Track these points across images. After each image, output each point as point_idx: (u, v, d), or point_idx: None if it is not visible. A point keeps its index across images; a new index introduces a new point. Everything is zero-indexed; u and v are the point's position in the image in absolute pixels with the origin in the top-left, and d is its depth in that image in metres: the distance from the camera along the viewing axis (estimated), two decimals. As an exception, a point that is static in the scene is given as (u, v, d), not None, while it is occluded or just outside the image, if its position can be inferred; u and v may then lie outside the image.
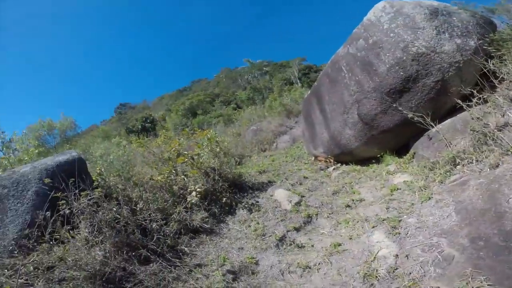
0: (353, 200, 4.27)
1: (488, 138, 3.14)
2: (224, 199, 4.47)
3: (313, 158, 6.84)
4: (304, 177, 5.72)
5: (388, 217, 3.36)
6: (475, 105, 3.52)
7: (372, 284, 2.47)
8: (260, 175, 6.09)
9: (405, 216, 3.21)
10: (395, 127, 4.56)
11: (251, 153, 9.29)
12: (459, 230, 2.56)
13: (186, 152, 5.00)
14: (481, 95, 3.52)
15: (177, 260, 3.09)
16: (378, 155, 5.18)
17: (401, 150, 4.89)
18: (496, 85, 3.57)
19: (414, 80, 4.10)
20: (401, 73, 4.15)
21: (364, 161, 5.60)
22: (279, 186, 5.25)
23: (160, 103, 47.11)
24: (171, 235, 3.41)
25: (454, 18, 4.16)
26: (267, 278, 2.94)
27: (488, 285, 2.06)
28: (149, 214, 3.45)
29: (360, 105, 4.79)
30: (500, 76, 3.57)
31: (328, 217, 4.06)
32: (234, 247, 3.51)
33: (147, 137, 10.88)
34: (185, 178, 4.64)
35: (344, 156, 5.88)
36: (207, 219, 3.95)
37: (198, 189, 4.29)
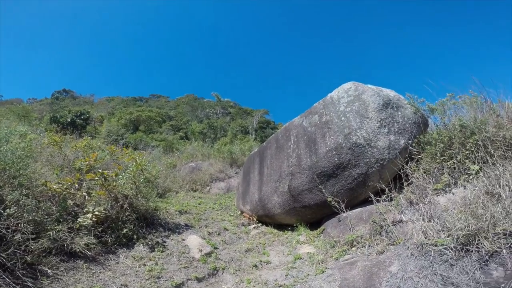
0: (261, 261, 4.28)
1: (383, 229, 3.64)
2: (125, 230, 4.01)
3: (239, 212, 6.83)
4: (225, 228, 5.60)
5: (284, 284, 3.41)
6: (383, 201, 3.98)
7: None
8: (179, 215, 5.72)
9: (298, 285, 3.30)
10: (314, 205, 4.88)
11: (179, 189, 8.78)
12: None
13: (100, 170, 4.49)
14: (390, 194, 3.97)
15: (29, 280, 2.50)
16: (295, 224, 5.48)
17: (315, 224, 5.28)
18: (404, 187, 3.97)
19: (343, 168, 4.31)
20: (336, 159, 4.34)
21: (282, 226, 5.82)
22: (195, 232, 4.98)
23: (106, 104, 42.39)
24: (36, 251, 2.80)
25: (399, 113, 4.24)
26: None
27: None
28: (17, 224, 2.83)
29: (293, 179, 5.03)
30: (410, 180, 3.86)
31: (234, 273, 3.93)
32: (116, 282, 3.03)
33: (71, 135, 9.42)
34: (87, 197, 4.09)
35: (266, 218, 6.03)
36: (93, 246, 3.41)
37: (96, 212, 3.79)
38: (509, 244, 2.18)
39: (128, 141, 18.03)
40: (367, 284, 2.83)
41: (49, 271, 2.75)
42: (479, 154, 3.27)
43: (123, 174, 4.77)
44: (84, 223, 3.50)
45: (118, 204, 4.35)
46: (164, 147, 15.39)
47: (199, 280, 3.56)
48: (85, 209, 3.80)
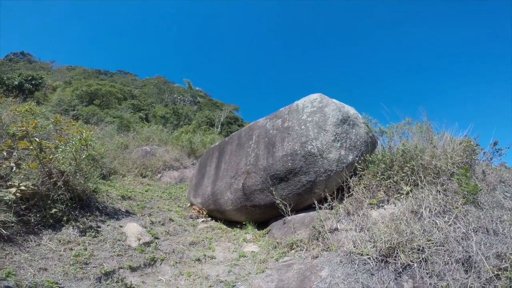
0: (205, 256, 4.24)
1: (320, 235, 3.88)
2: (54, 210, 3.66)
3: (189, 204, 6.67)
4: (170, 219, 5.42)
5: (226, 280, 3.43)
6: (324, 209, 4.24)
7: None
8: (121, 201, 5.39)
9: (239, 283, 3.35)
10: (264, 206, 5.03)
11: (127, 173, 8.25)
12: None
13: (37, 139, 4.02)
14: (332, 203, 4.25)
15: None
16: (244, 222, 5.55)
17: (262, 224, 5.42)
18: (345, 198, 4.26)
19: (295, 173, 4.49)
20: (289, 164, 4.50)
21: (231, 223, 5.84)
22: (136, 220, 4.73)
23: (65, 73, 37.80)
24: None
25: (354, 130, 4.47)
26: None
27: None
28: None
29: (248, 177, 5.10)
30: (351, 192, 4.13)
31: (173, 265, 3.82)
32: (34, 265, 2.74)
33: (14, 98, 8.23)
34: (15, 168, 3.64)
35: (217, 213, 6.00)
36: (12, 224, 3.05)
37: (22, 187, 3.39)
38: (420, 259, 2.48)
39: (79, 113, 16.44)
40: (299, 286, 2.99)
41: None
42: (412, 177, 3.67)
43: (64, 147, 4.32)
44: (5, 198, 3.09)
45: (51, 180, 3.93)
46: (119, 125, 14.29)
47: (133, 269, 3.38)
48: (9, 182, 3.35)
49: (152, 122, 20.08)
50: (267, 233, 4.97)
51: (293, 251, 4.03)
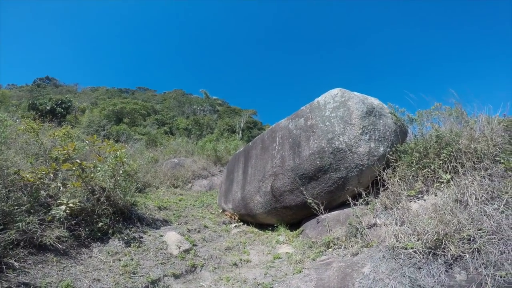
0: (241, 260, 4.30)
1: (358, 232, 3.76)
2: (100, 224, 3.92)
3: (221, 210, 6.81)
4: (205, 226, 5.57)
5: (263, 282, 3.45)
6: (359, 205, 4.12)
7: None
8: (159, 211, 5.63)
9: (276, 284, 3.34)
10: (295, 206, 4.98)
11: (160, 185, 8.62)
12: None
13: (78, 160, 4.35)
14: (366, 198, 4.11)
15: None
16: (275, 224, 5.55)
17: (294, 225, 5.37)
18: (380, 192, 4.13)
19: (325, 171, 4.41)
20: (318, 162, 4.43)
21: (263, 226, 5.87)
22: (174, 229, 4.92)
23: (90, 94, 40.88)
24: (2, 243, 2.70)
25: (381, 121, 4.36)
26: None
27: None
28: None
29: (276, 179, 5.09)
30: (386, 185, 4.01)
31: (213, 271, 3.93)
32: (89, 276, 2.95)
33: (49, 123, 8.99)
34: (62, 188, 3.95)
35: (248, 217, 6.06)
36: (65, 239, 3.30)
37: (71, 204, 3.67)
38: (472, 249, 2.32)
39: (109, 132, 17.47)
40: (341, 284, 2.92)
41: (15, 263, 2.63)
42: (451, 164, 3.46)
43: (102, 165, 4.63)
44: (57, 215, 3.37)
45: (95, 196, 4.22)
46: (147, 141, 14.95)
47: (176, 276, 3.52)
48: (59, 201, 3.66)
49: (176, 134, 20.83)
50: (300, 234, 4.92)
51: (330, 249, 3.95)
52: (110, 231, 4.01)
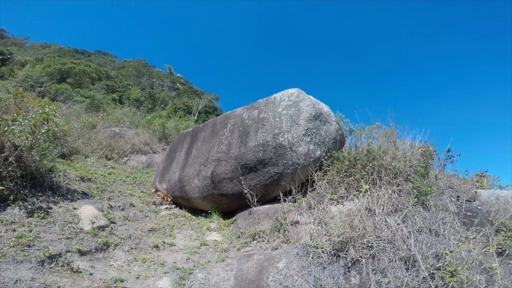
0: (164, 243, 4.14)
1: (282, 227, 3.94)
2: (0, 188, 3.37)
3: (154, 190, 6.47)
4: (131, 204, 5.20)
5: (183, 267, 3.37)
6: (288, 202, 4.32)
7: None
8: (80, 183, 5.08)
9: (197, 271, 3.29)
10: (232, 195, 5.01)
11: (91, 154, 7.79)
12: None
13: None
14: (296, 196, 4.33)
15: None
16: (209, 211, 5.49)
17: (229, 213, 5.39)
18: (309, 192, 4.36)
19: (264, 164, 4.53)
20: (260, 154, 4.53)
21: (196, 211, 5.76)
22: (93, 203, 4.48)
23: (39, 50, 34.58)
24: None
25: (324, 127, 4.61)
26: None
27: None
28: None
29: (218, 165, 5.06)
30: (315, 187, 4.26)
31: (128, 251, 3.67)
32: (-37, 246, 2.48)
33: None
34: None
35: (182, 200, 5.88)
36: None
37: None
38: (369, 255, 2.60)
39: (47, 89, 15.24)
40: (257, 276, 3.02)
41: None
42: (372, 176, 3.83)
43: (22, 120, 3.97)
44: None
45: (2, 155, 3.59)
46: (89, 105, 13.42)
47: (82, 253, 3.20)
48: None
49: (125, 104, 19.12)
50: (232, 223, 4.96)
51: (255, 241, 4.05)
52: (11, 197, 3.46)
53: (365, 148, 4.37)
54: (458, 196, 3.83)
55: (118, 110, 13.75)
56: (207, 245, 4.20)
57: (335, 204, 3.75)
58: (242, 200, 4.84)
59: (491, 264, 2.43)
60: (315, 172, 4.38)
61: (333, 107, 5.24)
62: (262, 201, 4.73)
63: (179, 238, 4.51)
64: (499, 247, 2.81)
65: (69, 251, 3.09)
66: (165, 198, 5.99)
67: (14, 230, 3.02)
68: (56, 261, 2.84)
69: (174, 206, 5.94)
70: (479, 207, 3.59)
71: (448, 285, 2.11)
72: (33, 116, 4.07)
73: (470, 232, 2.90)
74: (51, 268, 2.73)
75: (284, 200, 4.29)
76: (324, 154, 4.47)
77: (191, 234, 4.72)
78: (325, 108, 5.00)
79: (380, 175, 3.82)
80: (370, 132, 4.88)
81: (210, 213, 5.47)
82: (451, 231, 2.64)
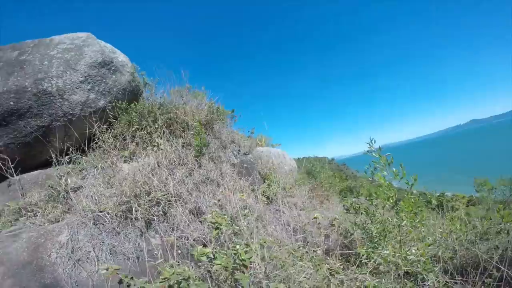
0: None
1: (60, 195, 3.31)
2: None
3: None
4: None
5: None
6: (66, 164, 3.64)
7: None
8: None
9: None
10: None
11: None
12: (2, 281, 2.41)
13: None
14: (75, 156, 3.70)
15: None
16: None
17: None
18: (93, 149, 3.88)
19: (19, 116, 3.55)
20: (12, 103, 3.51)
21: None
22: None
23: None
24: None
25: (113, 77, 4.16)
26: None
27: None
28: None
29: None
30: (99, 143, 3.82)
31: None
32: None
33: None
34: None
35: None
36: None
37: None
38: (160, 212, 2.89)
39: None
40: (33, 257, 2.59)
41: None
42: (164, 129, 4.05)
43: None
44: None
45: None
46: None
47: None
48: None
49: None
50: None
51: (23, 218, 3.24)
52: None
53: (158, 101, 4.50)
54: (239, 150, 5.12)
55: None
56: None
57: (128, 162, 3.66)
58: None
59: (259, 207, 3.47)
60: (98, 126, 3.92)
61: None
62: (27, 168, 3.73)
63: None
64: (264, 194, 4.10)
65: None
66: None
67: None
68: None
69: None
70: (251, 160, 5.00)
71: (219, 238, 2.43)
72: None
73: (243, 181, 4.01)
74: None
75: (59, 162, 3.60)
76: (110, 104, 4.07)
77: None
78: (121, 57, 4.58)
79: (171, 128, 4.13)
80: (178, 93, 5.08)
81: None
82: (230, 180, 3.49)
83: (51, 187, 3.39)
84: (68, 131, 3.76)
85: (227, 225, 2.16)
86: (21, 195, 3.55)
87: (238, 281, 1.82)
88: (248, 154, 5.41)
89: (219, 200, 3.06)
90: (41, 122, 3.63)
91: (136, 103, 4.32)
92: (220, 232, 2.13)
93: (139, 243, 2.80)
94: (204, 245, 2.41)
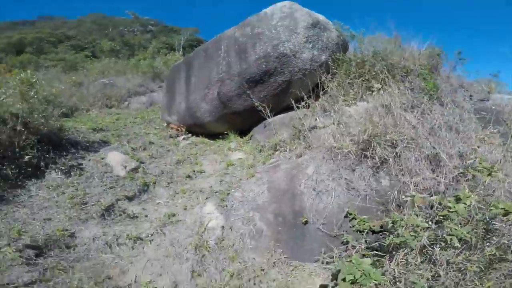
0: (194, 171, 4.45)
1: (301, 134, 4.11)
2: (27, 157, 3.44)
3: (165, 124, 6.54)
4: (150, 142, 5.39)
5: (220, 190, 3.73)
6: (302, 108, 4.42)
7: (203, 255, 2.70)
8: (94, 134, 5.12)
9: (233, 190, 3.62)
10: (244, 111, 5.11)
11: (91, 107, 7.72)
12: (268, 206, 3.04)
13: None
14: (308, 101, 4.45)
15: None
16: (225, 132, 5.68)
17: (244, 131, 5.59)
18: (320, 96, 4.54)
19: (270, 75, 4.64)
20: (263, 66, 4.62)
21: (213, 135, 5.98)
22: (115, 148, 4.62)
23: None
24: None
25: (325, 34, 4.76)
26: (90, 251, 2.61)
27: (284, 257, 2.62)
28: None
29: (222, 85, 5.07)
30: (326, 90, 4.43)
31: (166, 186, 4.03)
32: (37, 218, 2.81)
33: None
34: None
35: (196, 128, 6.02)
36: None
37: None
38: (394, 154, 2.76)
39: (10, 65, 14.54)
40: (289, 185, 3.19)
41: None
42: (382, 75, 3.81)
43: (5, 90, 3.76)
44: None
45: (8, 126, 3.53)
46: (64, 67, 13.39)
47: (129, 198, 3.56)
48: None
49: (101, 57, 17.88)
50: (250, 139, 5.20)
51: (277, 152, 4.25)
52: (42, 163, 3.59)
53: (371, 50, 4.45)
54: (471, 95, 3.88)
55: (96, 64, 13.34)
56: (233, 164, 4.46)
57: (349, 105, 3.78)
58: (255, 115, 4.92)
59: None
60: (324, 77, 4.47)
61: (330, 18, 5.18)
62: (275, 112, 4.81)
63: (206, 164, 4.82)
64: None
65: (118, 199, 3.45)
66: (179, 129, 6.13)
67: (64, 193, 3.29)
68: (113, 212, 3.22)
69: (190, 135, 6.12)
70: (493, 107, 3.61)
71: (484, 184, 2.09)
72: (15, 83, 3.85)
73: (488, 131, 2.97)
74: (112, 219, 3.12)
75: (297, 107, 4.37)
76: (329, 58, 4.64)
77: (215, 158, 5.02)
78: (320, 17, 5.04)
79: (391, 73, 3.74)
80: (372, 40, 4.98)
81: (227, 134, 5.67)
82: (470, 129, 2.70)
83: (294, 126, 4.24)
84: (302, 82, 4.61)
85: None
86: (274, 133, 4.73)
87: None
88: (487, 100, 3.97)
89: (475, 150, 2.40)
90: (284, 77, 4.67)
91: (347, 54, 4.43)
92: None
93: (372, 182, 2.86)
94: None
